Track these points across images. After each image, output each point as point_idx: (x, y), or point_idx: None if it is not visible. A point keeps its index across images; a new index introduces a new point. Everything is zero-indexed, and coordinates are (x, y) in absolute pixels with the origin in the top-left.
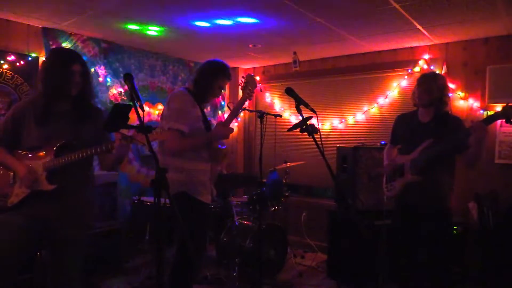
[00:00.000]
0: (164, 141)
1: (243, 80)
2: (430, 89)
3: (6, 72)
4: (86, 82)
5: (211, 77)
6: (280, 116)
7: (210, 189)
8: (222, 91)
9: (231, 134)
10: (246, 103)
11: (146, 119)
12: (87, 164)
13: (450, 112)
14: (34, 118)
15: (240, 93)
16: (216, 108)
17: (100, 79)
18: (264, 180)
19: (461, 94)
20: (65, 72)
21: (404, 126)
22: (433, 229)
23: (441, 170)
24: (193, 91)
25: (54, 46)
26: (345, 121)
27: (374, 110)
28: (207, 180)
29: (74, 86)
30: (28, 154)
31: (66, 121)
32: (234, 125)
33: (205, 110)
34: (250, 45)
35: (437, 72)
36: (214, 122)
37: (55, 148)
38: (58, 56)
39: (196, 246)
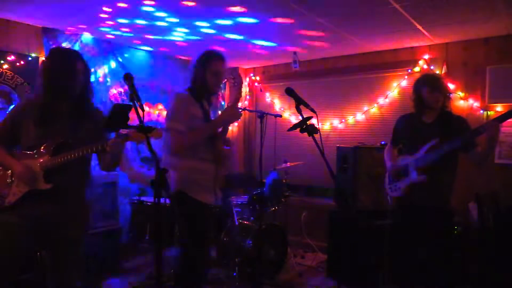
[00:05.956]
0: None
1: (231, 78)
2: (442, 89)
3: (6, 72)
4: (87, 81)
5: (201, 65)
6: (280, 116)
7: (213, 190)
8: (223, 82)
9: (230, 135)
10: (246, 102)
11: (146, 119)
12: (84, 163)
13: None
14: (33, 118)
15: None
16: (216, 108)
17: (100, 79)
18: (264, 180)
19: (461, 94)
20: (70, 71)
21: (407, 126)
22: (435, 229)
23: (445, 169)
24: (191, 88)
25: (54, 46)
26: (345, 121)
27: (374, 110)
28: (207, 180)
29: (79, 84)
30: (26, 154)
31: (64, 121)
32: (234, 124)
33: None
34: (250, 45)
35: (437, 72)
36: None
37: (52, 147)
38: (61, 56)
39: (196, 246)
